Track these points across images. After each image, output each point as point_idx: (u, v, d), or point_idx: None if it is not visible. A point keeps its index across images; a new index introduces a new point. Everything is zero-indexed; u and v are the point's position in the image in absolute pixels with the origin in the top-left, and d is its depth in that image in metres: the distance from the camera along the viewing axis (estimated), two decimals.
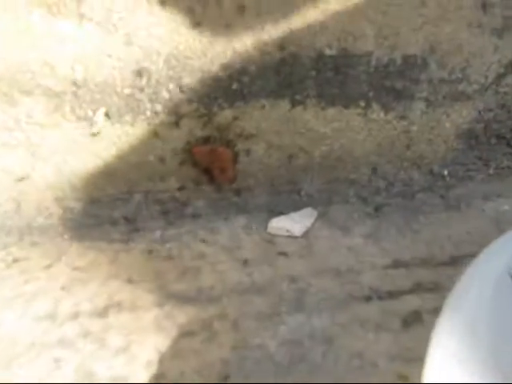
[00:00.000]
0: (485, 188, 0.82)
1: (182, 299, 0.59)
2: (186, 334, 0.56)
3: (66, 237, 0.68)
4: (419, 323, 0.58)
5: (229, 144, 0.73)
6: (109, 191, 0.72)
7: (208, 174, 0.74)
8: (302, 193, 0.77)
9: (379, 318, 0.59)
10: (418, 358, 0.53)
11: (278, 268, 0.65)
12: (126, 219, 0.71)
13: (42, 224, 0.69)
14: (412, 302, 0.61)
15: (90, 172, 0.70)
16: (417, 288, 0.63)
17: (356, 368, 0.53)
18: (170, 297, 0.60)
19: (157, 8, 0.63)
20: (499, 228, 0.73)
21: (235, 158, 0.74)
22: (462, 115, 0.80)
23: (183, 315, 0.57)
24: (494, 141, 0.82)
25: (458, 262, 0.67)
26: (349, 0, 0.68)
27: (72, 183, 0.70)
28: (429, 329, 0.56)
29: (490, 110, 0.80)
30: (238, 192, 0.75)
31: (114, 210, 0.72)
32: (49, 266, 0.63)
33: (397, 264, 0.66)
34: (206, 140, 0.71)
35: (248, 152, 0.74)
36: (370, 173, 0.79)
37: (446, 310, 0.49)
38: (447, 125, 0.80)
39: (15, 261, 0.64)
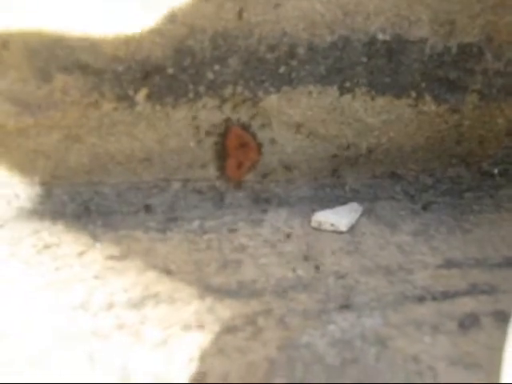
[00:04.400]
0: None
1: (224, 293, 0.56)
2: (228, 329, 0.52)
3: (99, 224, 0.65)
4: (477, 327, 0.54)
5: (260, 146, 0.69)
6: (146, 177, 0.69)
7: (223, 160, 0.70)
8: (347, 187, 0.74)
9: (435, 320, 0.54)
10: (478, 364, 0.50)
11: (323, 264, 0.61)
12: (163, 207, 0.67)
13: (74, 210, 0.66)
14: (468, 304, 0.57)
15: (126, 156, 0.67)
16: (472, 289, 0.59)
17: (413, 373, 0.49)
18: (210, 290, 0.56)
19: None
20: None
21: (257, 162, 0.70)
22: None
23: (225, 309, 0.54)
24: None
25: None
26: None
27: (107, 167, 0.67)
28: (488, 333, 0.53)
29: None
30: (280, 183, 0.71)
31: (151, 197, 0.69)
32: (82, 254, 0.60)
33: (449, 264, 0.63)
34: (247, 127, 0.68)
35: (292, 141, 0.70)
36: (417, 169, 0.76)
37: None
38: (500, 120, 0.76)
39: (46, 247, 0.61)
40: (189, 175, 0.69)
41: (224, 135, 0.68)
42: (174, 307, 0.54)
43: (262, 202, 0.70)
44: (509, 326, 0.46)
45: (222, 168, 0.69)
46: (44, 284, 0.55)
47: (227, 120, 0.67)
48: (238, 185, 0.69)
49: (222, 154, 0.68)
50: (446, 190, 0.76)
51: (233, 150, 0.68)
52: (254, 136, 0.68)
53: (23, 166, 0.65)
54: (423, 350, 0.51)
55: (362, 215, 0.70)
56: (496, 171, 0.79)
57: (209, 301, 0.55)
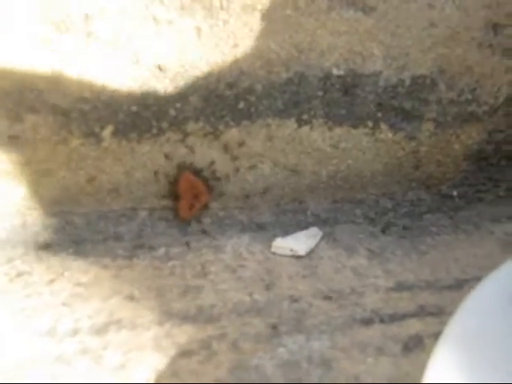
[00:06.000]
0: (494, 210, 0.81)
1: (182, 318, 0.59)
2: (184, 353, 0.55)
3: (70, 252, 0.68)
4: (420, 348, 0.57)
5: (210, 189, 0.74)
6: (114, 207, 0.72)
7: (174, 200, 0.74)
8: (308, 212, 0.77)
9: (380, 342, 0.58)
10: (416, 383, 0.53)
11: (279, 288, 0.65)
12: (131, 235, 0.71)
13: (46, 239, 0.70)
14: (414, 326, 0.60)
15: (95, 188, 0.71)
16: (420, 312, 0.62)
17: None
18: (170, 315, 0.60)
19: (164, 28, 0.64)
20: (508, 251, 0.72)
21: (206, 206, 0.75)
22: (471, 136, 0.79)
23: (182, 334, 0.57)
24: (503, 162, 0.82)
25: (463, 285, 0.67)
26: (357, 20, 0.68)
27: (77, 198, 0.71)
28: (429, 354, 0.56)
29: (501, 132, 0.79)
30: (243, 210, 0.75)
31: (119, 226, 0.72)
32: (52, 281, 0.64)
33: (400, 287, 0.66)
34: (198, 172, 0.73)
35: (254, 170, 0.74)
36: (377, 193, 0.79)
37: (447, 335, 0.49)
38: (456, 146, 0.79)
39: (19, 275, 0.64)
40: (155, 204, 0.73)
41: (176, 180, 0.72)
42: (134, 332, 0.57)
43: (226, 228, 0.74)
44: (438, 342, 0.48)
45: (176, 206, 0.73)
46: (15, 311, 0.59)
47: (180, 165, 0.71)
48: (188, 223, 0.73)
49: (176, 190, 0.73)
50: (406, 212, 0.79)
51: (184, 193, 0.72)
52: (204, 180, 0.73)
53: None
54: (365, 370, 0.55)
55: (321, 239, 0.73)
56: (455, 193, 0.82)
57: (167, 326, 0.58)
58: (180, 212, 0.72)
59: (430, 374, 0.45)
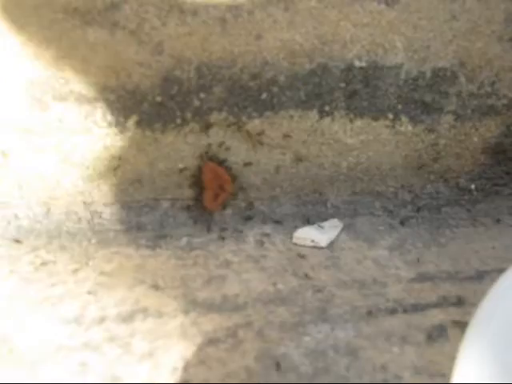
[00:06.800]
0: None
1: (208, 307, 0.60)
2: (210, 341, 0.56)
3: (93, 241, 0.69)
4: (444, 337, 0.58)
5: (234, 178, 0.74)
6: (137, 197, 0.73)
7: (198, 190, 0.74)
8: (328, 204, 0.77)
9: (404, 332, 0.58)
10: (442, 372, 0.53)
11: (302, 278, 0.65)
12: (154, 225, 0.71)
13: (70, 228, 0.70)
14: (437, 316, 0.61)
15: (119, 178, 0.71)
16: (442, 302, 0.62)
17: (380, 381, 0.53)
18: (195, 304, 0.60)
19: (189, 18, 0.64)
20: None
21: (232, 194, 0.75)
22: (490, 130, 0.79)
23: (208, 323, 0.58)
24: None
25: (483, 277, 0.67)
26: (380, 12, 0.68)
27: (100, 188, 0.71)
28: (453, 343, 0.56)
29: None
30: (264, 201, 0.75)
31: (142, 216, 0.72)
32: (76, 270, 0.64)
33: (422, 277, 0.66)
34: (221, 162, 0.73)
35: (275, 161, 0.74)
36: (396, 185, 0.79)
37: (474, 326, 0.49)
38: (475, 139, 0.79)
39: (43, 264, 0.65)
40: (177, 195, 0.73)
41: (200, 170, 0.72)
42: (160, 321, 0.58)
43: (247, 219, 0.74)
44: (466, 333, 0.48)
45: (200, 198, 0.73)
46: (41, 299, 0.60)
47: (202, 155, 0.72)
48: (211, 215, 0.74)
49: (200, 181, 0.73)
50: (425, 205, 0.80)
51: (208, 183, 0.72)
52: (227, 169, 0.73)
53: (22, 187, 0.69)
54: (391, 359, 0.55)
55: (341, 231, 0.74)
56: (473, 187, 0.82)
57: (193, 315, 0.59)
58: (205, 202, 0.72)
59: (460, 367, 0.45)
